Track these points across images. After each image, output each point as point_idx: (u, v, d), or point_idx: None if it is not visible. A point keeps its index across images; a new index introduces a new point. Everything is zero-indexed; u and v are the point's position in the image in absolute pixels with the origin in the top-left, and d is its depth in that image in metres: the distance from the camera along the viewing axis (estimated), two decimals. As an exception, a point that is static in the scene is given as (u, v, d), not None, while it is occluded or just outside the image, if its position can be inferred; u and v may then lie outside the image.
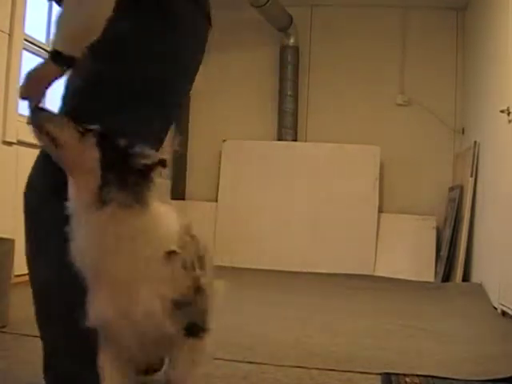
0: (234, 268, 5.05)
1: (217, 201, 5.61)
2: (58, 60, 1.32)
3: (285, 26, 5.54)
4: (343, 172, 5.41)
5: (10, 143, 3.48)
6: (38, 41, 3.84)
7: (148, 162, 1.20)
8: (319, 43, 5.76)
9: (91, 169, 1.19)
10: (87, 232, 1.19)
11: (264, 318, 2.95)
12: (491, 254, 3.72)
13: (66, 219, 1.22)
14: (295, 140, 5.69)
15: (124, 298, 1.20)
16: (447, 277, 4.73)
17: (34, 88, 1.42)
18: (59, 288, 1.39)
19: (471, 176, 4.47)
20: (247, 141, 5.67)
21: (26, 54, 3.69)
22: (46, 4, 4.01)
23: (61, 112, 1.47)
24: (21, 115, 3.59)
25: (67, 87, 1.50)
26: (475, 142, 4.50)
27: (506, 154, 3.46)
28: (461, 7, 5.44)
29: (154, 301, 1.19)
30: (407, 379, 1.94)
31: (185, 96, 1.65)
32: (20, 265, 3.21)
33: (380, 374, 1.98)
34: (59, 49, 1.30)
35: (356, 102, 5.65)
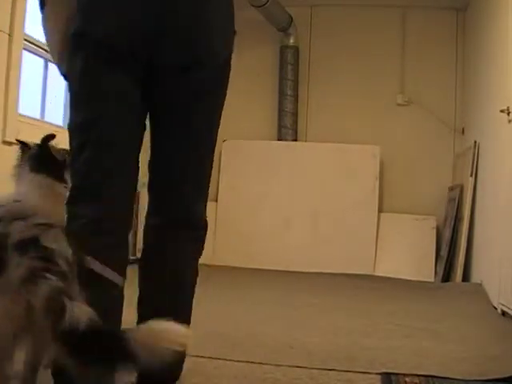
0: (233, 268, 5.05)
1: (217, 201, 5.60)
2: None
3: (285, 26, 5.54)
4: (343, 172, 5.41)
5: (10, 143, 3.48)
6: (38, 41, 3.83)
7: None
8: (319, 43, 5.76)
9: None
10: None
11: (264, 318, 2.96)
12: (491, 254, 3.72)
13: None
14: (295, 140, 5.69)
15: None
16: (447, 277, 4.73)
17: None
18: None
19: (471, 176, 4.47)
20: (247, 141, 5.67)
21: (25, 53, 3.68)
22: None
23: None
24: (21, 115, 3.59)
25: None
26: (475, 142, 4.50)
27: (505, 154, 3.46)
28: (461, 7, 5.44)
29: None
30: (407, 379, 1.94)
31: None
32: (20, 265, 3.21)
33: (380, 373, 1.98)
34: None
35: (356, 102, 5.65)
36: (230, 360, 2.06)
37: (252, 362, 2.05)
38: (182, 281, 1.63)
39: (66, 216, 1.45)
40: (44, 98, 4.07)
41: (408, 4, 5.54)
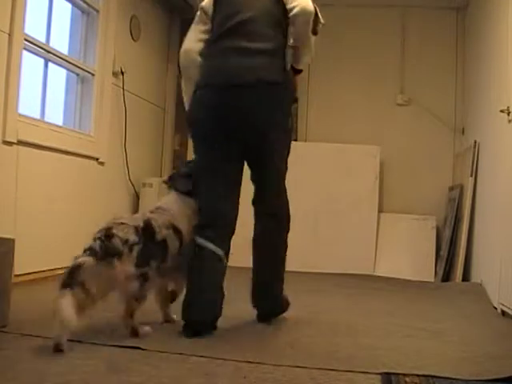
0: (233, 268, 5.05)
1: (217, 201, 5.60)
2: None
3: (285, 25, 5.52)
4: (343, 172, 5.41)
5: (10, 143, 3.48)
6: (38, 41, 3.83)
7: None
8: (319, 43, 5.74)
9: None
10: None
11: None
12: (491, 254, 3.72)
13: None
14: (295, 140, 5.68)
15: None
16: (447, 276, 4.73)
17: None
18: None
19: (471, 176, 4.47)
20: (247, 141, 5.66)
21: (26, 53, 3.68)
22: (46, 4, 4.01)
23: None
24: (21, 115, 3.59)
25: None
26: (475, 142, 4.50)
27: (505, 154, 3.46)
28: (461, 7, 5.45)
29: None
30: (407, 379, 1.94)
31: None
32: (20, 265, 3.21)
33: (380, 373, 1.98)
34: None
35: (356, 102, 5.65)
36: (230, 360, 2.06)
37: (252, 362, 2.05)
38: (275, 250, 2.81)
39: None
40: (44, 98, 4.07)
41: (408, 4, 5.54)
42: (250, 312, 3.11)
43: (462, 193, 4.74)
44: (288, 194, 2.86)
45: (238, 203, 2.67)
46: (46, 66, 4.06)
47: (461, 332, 2.81)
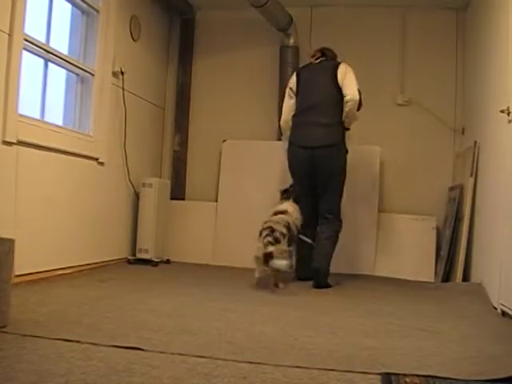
0: (233, 268, 5.06)
1: (217, 201, 5.60)
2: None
3: (285, 26, 5.53)
4: (343, 172, 5.39)
5: (10, 143, 3.48)
6: (38, 41, 3.83)
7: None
8: (319, 43, 5.74)
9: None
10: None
11: (264, 318, 2.96)
12: (491, 254, 3.72)
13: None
14: (295, 140, 5.68)
15: None
16: (447, 277, 4.73)
17: None
18: None
19: (471, 176, 4.47)
20: (247, 141, 5.67)
21: (26, 53, 3.68)
22: (46, 4, 4.01)
23: None
24: (21, 115, 3.59)
25: None
26: (475, 142, 4.50)
27: (506, 154, 3.46)
28: (461, 7, 5.44)
29: None
30: (407, 379, 1.94)
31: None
32: (20, 265, 3.21)
33: (380, 373, 1.98)
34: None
35: (356, 102, 5.64)
36: (230, 360, 2.06)
37: (252, 362, 2.05)
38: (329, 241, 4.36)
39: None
40: (44, 98, 4.07)
41: (408, 4, 5.54)
42: (251, 312, 3.11)
43: (462, 193, 4.74)
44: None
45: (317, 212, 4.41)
46: (45, 66, 4.06)
47: (461, 332, 2.81)
